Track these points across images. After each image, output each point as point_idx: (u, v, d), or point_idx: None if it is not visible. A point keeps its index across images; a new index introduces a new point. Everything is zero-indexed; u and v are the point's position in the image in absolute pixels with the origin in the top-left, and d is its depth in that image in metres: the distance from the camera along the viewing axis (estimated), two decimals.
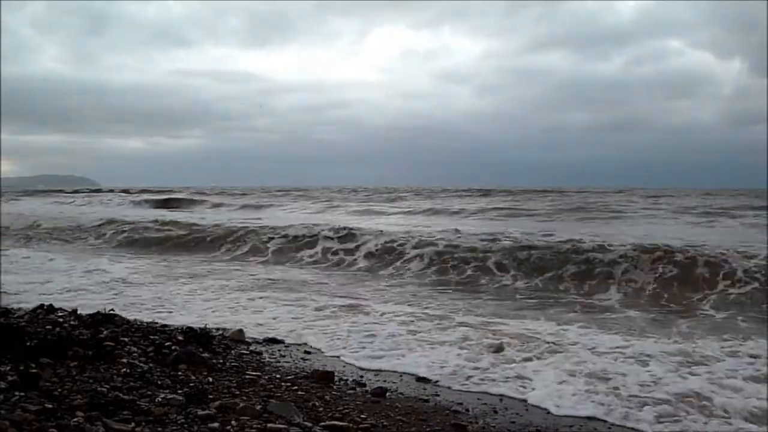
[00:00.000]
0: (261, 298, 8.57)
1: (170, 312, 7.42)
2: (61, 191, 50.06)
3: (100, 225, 18.29)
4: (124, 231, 17.13)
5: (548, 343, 6.07)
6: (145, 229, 16.97)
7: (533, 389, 4.79)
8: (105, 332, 5.10)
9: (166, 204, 33.49)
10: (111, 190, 50.76)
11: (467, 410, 4.34)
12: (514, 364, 5.39)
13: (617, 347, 5.88)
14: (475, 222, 18.64)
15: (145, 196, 38.26)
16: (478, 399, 4.62)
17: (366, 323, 6.93)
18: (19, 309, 6.51)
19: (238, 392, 4.17)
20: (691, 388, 4.76)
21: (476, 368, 5.30)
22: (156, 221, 17.95)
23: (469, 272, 10.85)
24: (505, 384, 4.93)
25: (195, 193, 40.30)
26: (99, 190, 52.78)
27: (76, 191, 49.82)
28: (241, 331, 6.16)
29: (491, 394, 4.73)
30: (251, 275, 11.05)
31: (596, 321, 7.38)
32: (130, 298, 8.31)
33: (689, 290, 8.99)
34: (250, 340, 6.00)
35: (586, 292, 9.42)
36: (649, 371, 5.15)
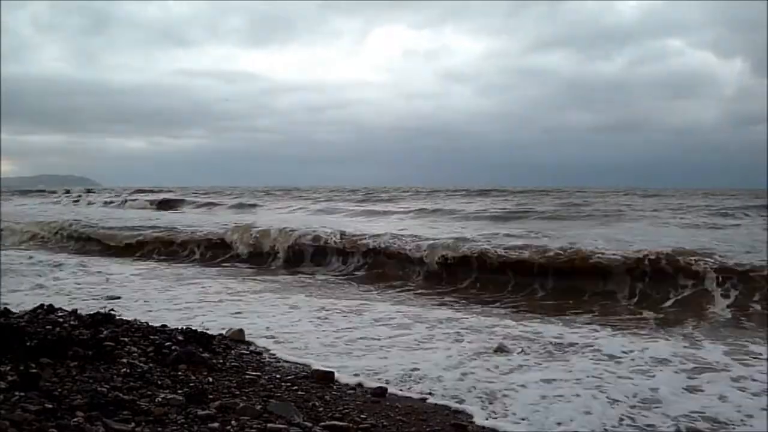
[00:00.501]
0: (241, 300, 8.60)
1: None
2: (52, 192, 50.18)
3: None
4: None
5: (550, 344, 6.06)
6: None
7: (507, 414, 4.24)
8: (105, 332, 5.09)
9: (162, 205, 33.31)
10: (91, 190, 51.00)
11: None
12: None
13: (624, 352, 5.77)
14: (478, 224, 18.49)
15: (137, 196, 38.18)
16: (477, 398, 4.59)
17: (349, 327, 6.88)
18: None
19: (238, 392, 4.17)
20: (699, 406, 4.37)
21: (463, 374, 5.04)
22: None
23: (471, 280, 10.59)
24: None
25: (191, 193, 40.31)
26: (91, 191, 52.66)
27: (67, 191, 49.84)
28: (241, 331, 6.16)
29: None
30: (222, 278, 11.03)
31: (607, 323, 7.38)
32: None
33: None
34: (250, 340, 6.01)
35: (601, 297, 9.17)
36: (651, 383, 4.86)
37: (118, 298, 8.39)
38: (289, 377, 4.78)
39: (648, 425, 4.09)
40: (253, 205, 29.83)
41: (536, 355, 5.70)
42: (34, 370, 3.74)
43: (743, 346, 6.15)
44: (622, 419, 4.16)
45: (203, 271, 11.90)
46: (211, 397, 3.90)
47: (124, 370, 4.21)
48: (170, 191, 43.14)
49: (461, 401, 4.46)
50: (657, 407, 4.37)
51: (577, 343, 6.15)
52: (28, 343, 4.30)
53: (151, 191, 43.09)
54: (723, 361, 5.55)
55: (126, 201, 35.80)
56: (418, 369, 5.17)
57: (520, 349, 5.86)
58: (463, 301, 8.97)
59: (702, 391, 4.74)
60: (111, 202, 36.41)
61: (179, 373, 4.40)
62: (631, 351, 5.80)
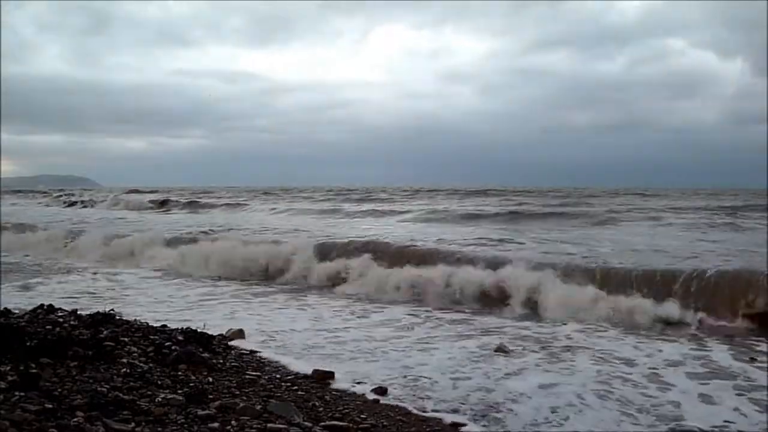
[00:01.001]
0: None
1: None
2: (41, 192, 50.86)
3: None
4: None
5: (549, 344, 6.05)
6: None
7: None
8: (105, 332, 5.10)
9: (160, 205, 33.41)
10: (86, 190, 51.45)
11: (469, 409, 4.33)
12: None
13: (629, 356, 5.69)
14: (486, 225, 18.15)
15: (125, 197, 38.57)
16: (479, 398, 4.57)
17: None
18: None
19: (238, 392, 4.17)
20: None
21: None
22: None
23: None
24: None
25: (189, 194, 40.49)
26: (86, 190, 53.05)
27: (61, 190, 50.35)
28: (241, 331, 6.16)
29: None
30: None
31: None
32: None
33: None
34: (250, 340, 6.01)
35: None
36: (664, 391, 4.68)
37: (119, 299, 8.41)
38: (289, 377, 4.79)
39: None
40: (243, 205, 29.86)
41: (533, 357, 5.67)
42: (34, 370, 3.74)
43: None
44: None
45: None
46: (211, 397, 3.90)
47: (124, 370, 4.21)
48: (169, 191, 43.36)
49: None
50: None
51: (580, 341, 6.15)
52: (28, 343, 4.29)
53: (140, 191, 43.66)
54: (735, 366, 5.39)
55: (90, 203, 36.35)
56: (414, 373, 5.11)
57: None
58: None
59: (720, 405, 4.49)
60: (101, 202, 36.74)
61: (179, 373, 4.40)
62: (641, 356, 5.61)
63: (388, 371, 5.14)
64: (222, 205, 30.59)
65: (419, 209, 23.72)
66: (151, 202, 33.98)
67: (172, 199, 34.51)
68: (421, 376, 5.00)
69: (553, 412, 4.22)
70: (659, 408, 4.36)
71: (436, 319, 7.44)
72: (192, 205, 31.35)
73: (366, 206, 26.80)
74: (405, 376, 5.02)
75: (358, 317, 7.49)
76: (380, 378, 4.93)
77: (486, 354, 5.69)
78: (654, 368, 5.34)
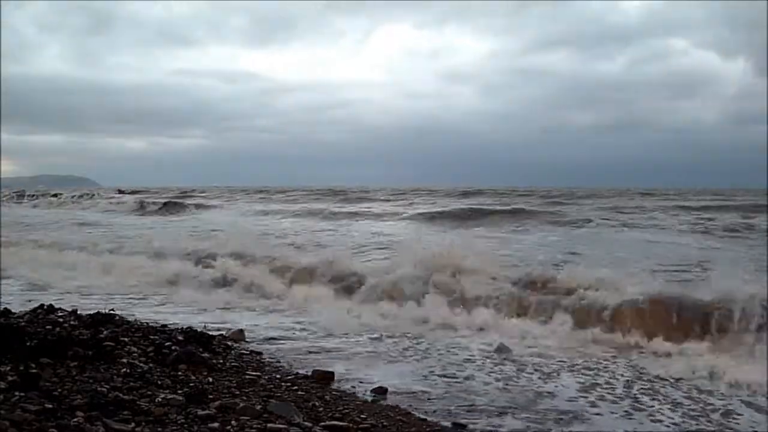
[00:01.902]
0: None
1: None
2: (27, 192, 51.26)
3: None
4: None
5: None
6: None
7: None
8: (105, 332, 5.10)
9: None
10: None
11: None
12: None
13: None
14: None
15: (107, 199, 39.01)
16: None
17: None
18: None
19: (238, 392, 4.16)
20: None
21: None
22: None
23: None
24: None
25: (178, 193, 40.58)
26: (58, 194, 52.77)
27: (57, 193, 50.59)
28: (241, 331, 6.16)
29: None
30: None
31: None
32: None
33: None
34: (250, 339, 6.00)
35: None
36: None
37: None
38: (289, 377, 4.78)
39: None
40: (213, 207, 29.79)
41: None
42: (34, 370, 3.74)
43: None
44: None
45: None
46: (211, 397, 3.90)
47: (124, 370, 4.21)
48: (161, 191, 43.60)
49: None
50: None
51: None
52: (28, 343, 4.29)
53: (122, 191, 44.16)
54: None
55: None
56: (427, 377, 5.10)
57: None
58: None
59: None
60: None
61: (179, 373, 4.39)
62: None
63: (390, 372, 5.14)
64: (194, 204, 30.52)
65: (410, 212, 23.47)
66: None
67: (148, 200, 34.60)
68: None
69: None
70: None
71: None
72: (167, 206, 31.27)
73: (359, 207, 26.68)
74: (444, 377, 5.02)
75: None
76: (382, 379, 4.93)
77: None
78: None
